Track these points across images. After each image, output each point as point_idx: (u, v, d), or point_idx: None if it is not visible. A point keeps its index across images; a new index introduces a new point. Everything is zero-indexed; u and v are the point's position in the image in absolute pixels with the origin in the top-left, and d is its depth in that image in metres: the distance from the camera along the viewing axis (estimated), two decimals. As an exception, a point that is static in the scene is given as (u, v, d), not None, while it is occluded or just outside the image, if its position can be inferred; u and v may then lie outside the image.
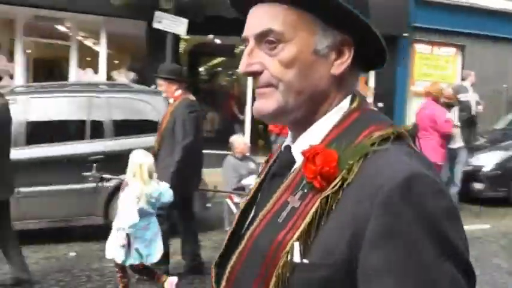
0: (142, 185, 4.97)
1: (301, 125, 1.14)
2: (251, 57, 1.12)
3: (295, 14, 1.09)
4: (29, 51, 12.50)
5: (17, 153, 6.62)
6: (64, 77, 12.21)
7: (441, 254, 0.93)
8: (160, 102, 7.41)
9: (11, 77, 11.95)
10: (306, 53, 1.09)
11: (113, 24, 12.07)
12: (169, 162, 5.65)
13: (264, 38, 1.10)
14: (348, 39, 1.10)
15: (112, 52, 13.04)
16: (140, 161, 5.02)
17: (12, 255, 5.66)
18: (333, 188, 1.00)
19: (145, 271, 5.31)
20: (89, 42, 13.54)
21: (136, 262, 5.04)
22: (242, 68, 1.12)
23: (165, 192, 5.15)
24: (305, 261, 0.99)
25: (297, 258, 0.99)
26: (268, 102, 1.11)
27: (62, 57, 12.82)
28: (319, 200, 1.00)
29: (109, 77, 12.50)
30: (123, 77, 12.78)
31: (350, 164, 1.01)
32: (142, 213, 4.95)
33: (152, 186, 5.04)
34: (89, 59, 13.02)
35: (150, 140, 6.45)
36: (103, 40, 12.42)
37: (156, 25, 10.37)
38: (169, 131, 5.85)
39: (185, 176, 5.70)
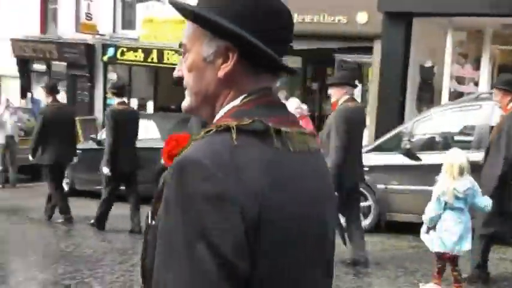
0: (450, 181, 5.27)
1: (211, 121, 1.31)
2: (180, 65, 1.34)
3: (193, 28, 1.28)
4: (494, 58, 12.77)
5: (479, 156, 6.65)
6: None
7: (190, 235, 1.07)
8: None
9: (476, 84, 12.52)
10: (198, 61, 1.27)
11: None
12: (492, 176, 5.64)
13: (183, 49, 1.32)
14: (229, 46, 1.23)
15: None
16: (452, 159, 5.36)
17: (355, 237, 6.35)
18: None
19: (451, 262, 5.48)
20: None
21: (441, 250, 5.37)
22: (174, 73, 1.36)
23: (477, 193, 5.35)
24: (153, 222, 1.22)
25: (149, 220, 1.25)
26: (184, 101, 1.33)
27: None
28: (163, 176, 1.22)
29: None
30: None
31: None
32: (449, 207, 5.29)
33: (461, 182, 5.26)
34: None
35: None
36: None
37: None
38: (494, 146, 5.62)
39: None
